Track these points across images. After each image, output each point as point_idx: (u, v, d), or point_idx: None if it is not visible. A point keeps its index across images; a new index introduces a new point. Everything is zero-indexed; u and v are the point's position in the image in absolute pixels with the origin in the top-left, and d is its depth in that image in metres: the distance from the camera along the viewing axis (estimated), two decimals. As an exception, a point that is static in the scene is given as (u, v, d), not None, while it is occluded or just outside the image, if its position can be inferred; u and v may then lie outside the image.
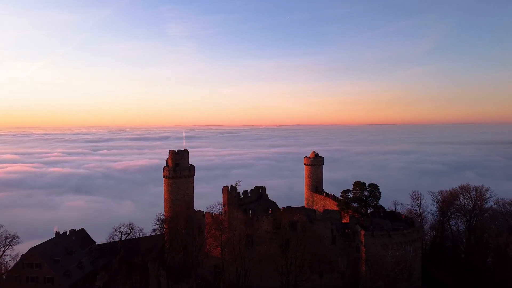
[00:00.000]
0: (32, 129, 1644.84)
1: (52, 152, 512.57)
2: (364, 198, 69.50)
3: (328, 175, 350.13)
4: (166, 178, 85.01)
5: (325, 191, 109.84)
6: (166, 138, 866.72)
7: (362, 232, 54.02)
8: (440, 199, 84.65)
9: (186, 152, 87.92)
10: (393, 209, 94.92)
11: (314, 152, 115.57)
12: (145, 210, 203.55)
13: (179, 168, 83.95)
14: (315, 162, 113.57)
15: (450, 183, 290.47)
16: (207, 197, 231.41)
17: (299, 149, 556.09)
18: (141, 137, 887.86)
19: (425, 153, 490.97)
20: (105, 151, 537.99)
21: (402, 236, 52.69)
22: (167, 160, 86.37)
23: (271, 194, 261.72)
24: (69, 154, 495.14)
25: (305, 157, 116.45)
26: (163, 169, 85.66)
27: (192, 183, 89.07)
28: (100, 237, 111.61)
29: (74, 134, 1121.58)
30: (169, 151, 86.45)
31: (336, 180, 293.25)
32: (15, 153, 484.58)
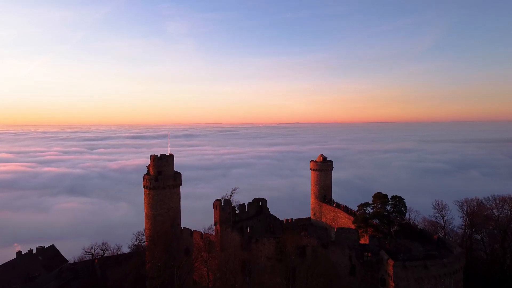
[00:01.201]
0: (30, 128, 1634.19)
1: (48, 151, 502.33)
2: (387, 214, 57.68)
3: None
4: (146, 188, 72.06)
5: (335, 201, 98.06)
6: (164, 136, 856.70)
7: (391, 262, 42.95)
8: (467, 210, 73.43)
9: (171, 157, 74.89)
10: (407, 217, 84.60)
11: (321, 155, 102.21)
12: (141, 213, 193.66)
13: (162, 177, 71.06)
14: (323, 167, 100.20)
15: (455, 183, 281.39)
16: (206, 198, 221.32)
17: (299, 148, 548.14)
18: (139, 136, 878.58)
19: (426, 152, 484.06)
20: (102, 149, 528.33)
21: (442, 267, 41.45)
22: (148, 167, 73.82)
23: (272, 195, 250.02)
24: (65, 153, 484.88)
25: (312, 161, 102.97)
26: (143, 178, 72.95)
27: (178, 194, 76.04)
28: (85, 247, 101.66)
29: (72, 132, 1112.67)
30: (150, 156, 73.95)
31: (339, 179, 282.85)
32: (10, 152, 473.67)
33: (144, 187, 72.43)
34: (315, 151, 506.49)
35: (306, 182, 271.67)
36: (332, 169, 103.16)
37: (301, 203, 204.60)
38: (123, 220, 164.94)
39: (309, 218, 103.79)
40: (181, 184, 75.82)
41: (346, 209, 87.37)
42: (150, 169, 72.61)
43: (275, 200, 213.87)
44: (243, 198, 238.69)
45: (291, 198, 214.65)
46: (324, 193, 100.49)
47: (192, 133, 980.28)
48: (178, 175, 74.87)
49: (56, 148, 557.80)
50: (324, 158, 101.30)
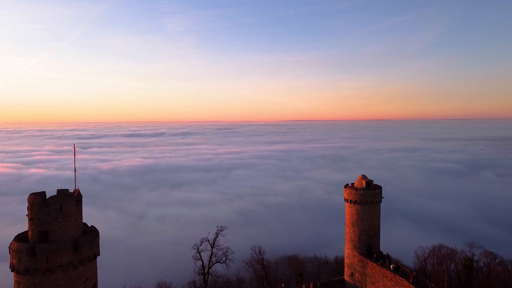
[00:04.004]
0: (28, 125, 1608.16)
1: (39, 150, 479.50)
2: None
3: (337, 176, 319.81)
4: (17, 273, 30.83)
5: (391, 257, 61.51)
6: (162, 134, 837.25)
7: None
8: None
9: (71, 199, 33.26)
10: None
11: (363, 177, 65.71)
12: (133, 223, 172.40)
13: (46, 248, 30.77)
14: (368, 197, 62.56)
15: (472, 186, 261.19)
16: (206, 205, 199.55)
17: (301, 146, 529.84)
18: (136, 133, 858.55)
19: (432, 150, 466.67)
20: (95, 149, 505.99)
21: None
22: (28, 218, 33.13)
23: (279, 201, 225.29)
24: (57, 152, 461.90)
25: (346, 186, 66.30)
26: (9, 248, 31.61)
27: (94, 279, 34.18)
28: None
29: (69, 130, 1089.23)
30: (29, 196, 32.69)
31: (347, 182, 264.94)
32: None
33: (11, 268, 31.21)
34: (318, 150, 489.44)
35: (312, 185, 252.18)
36: (382, 200, 65.03)
37: (312, 212, 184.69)
38: (109, 234, 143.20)
39: (342, 280, 68.70)
40: (97, 255, 34.47)
41: (419, 283, 51.25)
42: (29, 227, 32.97)
43: (283, 207, 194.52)
44: (246, 204, 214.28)
45: (301, 205, 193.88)
46: (368, 241, 62.70)
47: (190, 131, 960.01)
48: (88, 240, 33.31)
49: (48, 147, 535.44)
50: (368, 183, 64.13)
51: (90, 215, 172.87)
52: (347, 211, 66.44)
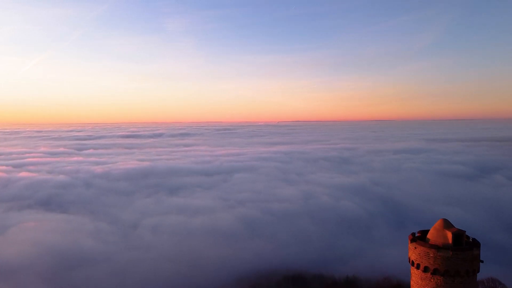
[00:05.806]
0: (27, 126, 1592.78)
1: (32, 152, 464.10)
2: None
3: (343, 180, 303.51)
4: None
5: None
6: (160, 135, 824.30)
7: None
8: None
9: None
10: None
11: (447, 225, 35.43)
12: (125, 234, 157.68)
13: None
14: (460, 265, 32.61)
15: (484, 190, 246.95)
16: (205, 212, 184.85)
17: (303, 147, 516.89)
18: (135, 134, 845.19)
19: (437, 152, 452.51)
20: (91, 150, 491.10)
21: None
22: None
23: (285, 209, 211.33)
24: (51, 154, 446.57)
25: (414, 239, 36.18)
26: None
27: None
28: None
29: (67, 131, 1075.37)
30: None
31: (353, 186, 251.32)
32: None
33: None
34: (320, 152, 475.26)
35: (318, 189, 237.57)
36: (480, 267, 35.14)
37: (320, 220, 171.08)
38: (98, 248, 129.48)
39: None
40: None
41: None
42: None
43: (288, 216, 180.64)
44: (249, 212, 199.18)
45: (307, 213, 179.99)
46: None
47: (189, 132, 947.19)
48: None
49: (43, 148, 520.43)
50: (458, 236, 34.72)
51: (80, 225, 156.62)
52: (416, 285, 35.85)
